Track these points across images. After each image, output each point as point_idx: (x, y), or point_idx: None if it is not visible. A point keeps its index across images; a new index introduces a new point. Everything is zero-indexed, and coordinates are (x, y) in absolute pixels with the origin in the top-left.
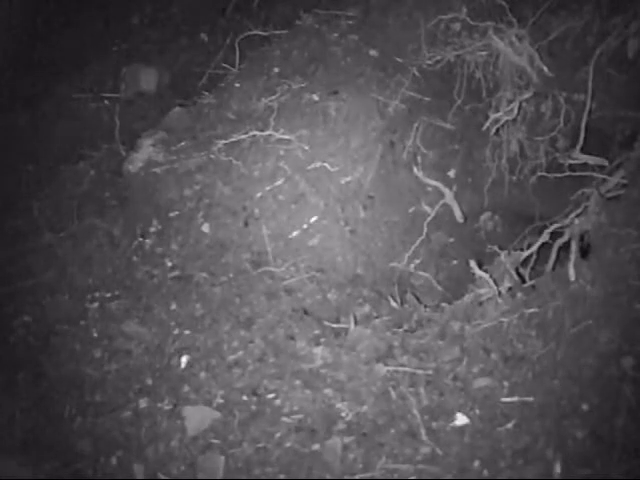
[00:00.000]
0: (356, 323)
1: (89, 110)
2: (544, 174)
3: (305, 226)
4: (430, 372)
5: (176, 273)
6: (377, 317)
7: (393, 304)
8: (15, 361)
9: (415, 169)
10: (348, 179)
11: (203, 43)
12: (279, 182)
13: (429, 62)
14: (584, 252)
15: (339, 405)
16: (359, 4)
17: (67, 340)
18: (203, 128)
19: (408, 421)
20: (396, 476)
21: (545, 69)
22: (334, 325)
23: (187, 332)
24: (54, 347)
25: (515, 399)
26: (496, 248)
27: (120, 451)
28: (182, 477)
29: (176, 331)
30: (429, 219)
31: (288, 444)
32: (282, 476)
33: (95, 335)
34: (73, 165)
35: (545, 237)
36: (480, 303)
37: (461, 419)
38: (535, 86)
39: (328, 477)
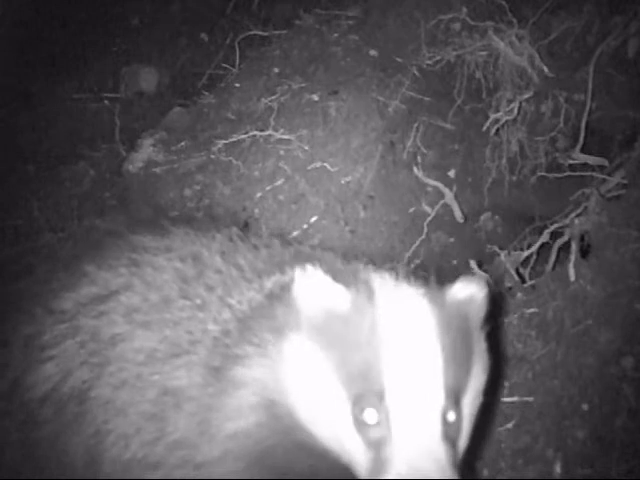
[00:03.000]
0: None
1: (89, 110)
2: (544, 174)
3: (305, 226)
4: None
5: None
6: None
7: None
8: None
9: (415, 169)
10: (348, 179)
11: (203, 43)
12: (279, 182)
13: (429, 62)
14: (584, 252)
15: None
16: (359, 4)
17: None
18: (203, 128)
19: None
20: None
21: (545, 69)
22: None
23: None
24: None
25: (515, 399)
26: (496, 248)
27: None
28: None
29: None
30: (429, 219)
31: None
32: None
33: None
34: (73, 165)
35: (545, 237)
36: None
37: None
38: (535, 86)
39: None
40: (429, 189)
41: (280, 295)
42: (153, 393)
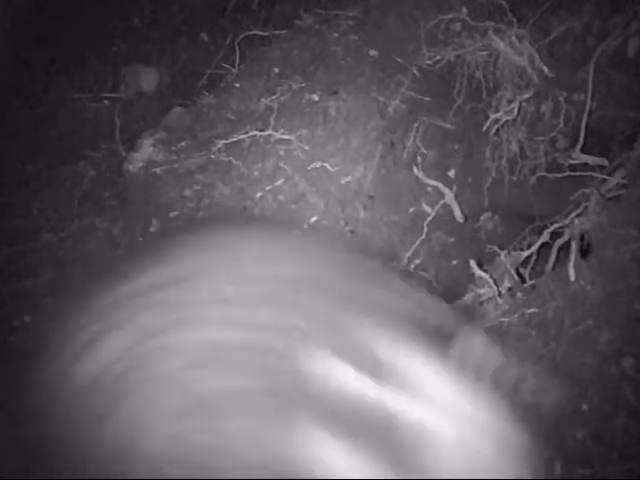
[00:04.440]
0: None
1: (89, 110)
2: (544, 174)
3: (305, 226)
4: None
5: None
6: None
7: None
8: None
9: (415, 169)
10: (348, 179)
11: (203, 43)
12: (279, 182)
13: (429, 62)
14: (584, 252)
15: None
16: (359, 4)
17: None
18: (203, 128)
19: None
20: None
21: (545, 69)
22: None
23: None
24: None
25: None
26: (496, 248)
27: None
28: None
29: None
30: (429, 219)
31: None
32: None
33: None
34: (73, 165)
35: (545, 237)
36: (480, 303)
37: None
38: (535, 86)
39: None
40: (429, 189)
41: None
42: (180, 390)
